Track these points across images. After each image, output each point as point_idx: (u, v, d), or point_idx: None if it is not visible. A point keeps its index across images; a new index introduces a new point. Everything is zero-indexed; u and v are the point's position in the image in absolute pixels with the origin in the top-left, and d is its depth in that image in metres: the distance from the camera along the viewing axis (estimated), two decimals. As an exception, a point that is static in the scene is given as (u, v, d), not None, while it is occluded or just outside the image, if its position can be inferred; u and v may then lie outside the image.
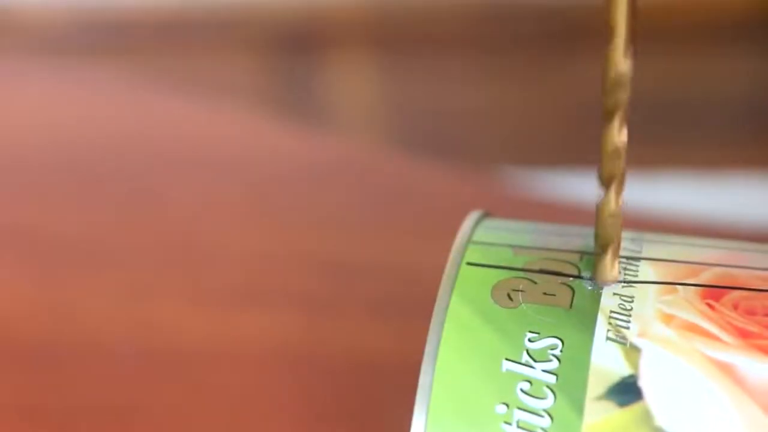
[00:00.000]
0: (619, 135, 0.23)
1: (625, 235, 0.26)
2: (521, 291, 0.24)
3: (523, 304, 0.24)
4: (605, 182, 0.23)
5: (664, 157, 1.03)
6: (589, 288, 0.24)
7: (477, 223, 0.26)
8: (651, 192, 1.01)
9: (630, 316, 0.23)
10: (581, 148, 1.03)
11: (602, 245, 0.24)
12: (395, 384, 0.35)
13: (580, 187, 1.03)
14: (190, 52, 1.02)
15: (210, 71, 1.03)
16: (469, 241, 0.25)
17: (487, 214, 0.27)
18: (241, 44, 1.02)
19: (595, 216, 0.41)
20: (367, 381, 0.35)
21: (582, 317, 0.23)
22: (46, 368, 0.36)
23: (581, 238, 0.25)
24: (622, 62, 0.22)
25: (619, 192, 0.23)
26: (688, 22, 1.00)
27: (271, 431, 0.34)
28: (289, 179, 0.43)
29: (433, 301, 0.38)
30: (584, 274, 0.24)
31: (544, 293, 0.24)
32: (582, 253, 0.25)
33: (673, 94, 1.01)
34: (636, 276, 0.24)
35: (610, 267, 0.24)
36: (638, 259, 0.24)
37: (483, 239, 0.25)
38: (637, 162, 1.02)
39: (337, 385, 0.35)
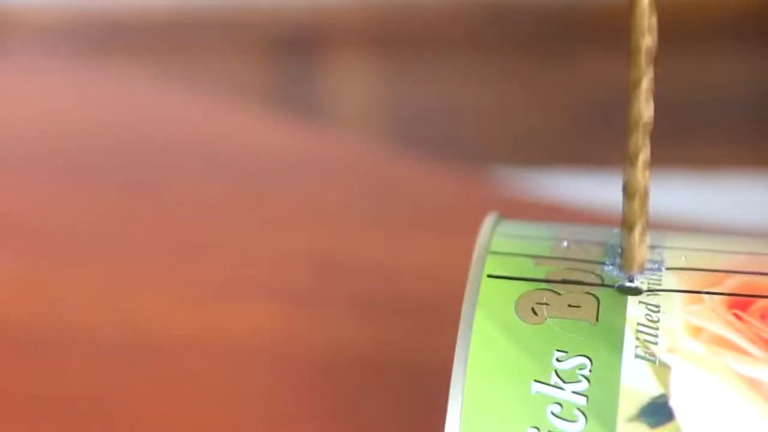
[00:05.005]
0: (643, 176, 0.23)
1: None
2: (545, 304, 0.23)
3: (548, 319, 0.23)
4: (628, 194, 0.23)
5: (664, 157, 1.03)
6: (616, 274, 0.23)
7: (493, 229, 0.25)
8: (651, 192, 1.01)
9: (657, 329, 0.23)
10: (582, 149, 1.03)
11: (629, 226, 0.23)
12: (385, 382, 0.35)
13: (580, 187, 1.03)
14: (190, 52, 1.02)
15: (211, 71, 1.03)
16: (487, 251, 0.25)
17: (501, 218, 0.26)
18: (241, 44, 1.02)
19: (599, 216, 0.40)
20: (356, 378, 0.35)
21: (609, 331, 0.23)
22: (30, 357, 0.36)
23: (602, 234, 0.25)
24: (645, 108, 0.22)
25: (644, 203, 0.23)
26: (689, 22, 1.00)
27: (255, 425, 0.33)
28: (287, 177, 0.43)
29: (432, 300, 0.38)
30: (608, 262, 0.24)
31: (569, 305, 0.23)
32: (606, 245, 0.24)
33: (673, 94, 1.01)
34: (660, 284, 0.24)
35: (638, 249, 0.23)
36: (659, 268, 0.24)
37: (501, 249, 0.25)
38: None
39: (324, 381, 0.35)
